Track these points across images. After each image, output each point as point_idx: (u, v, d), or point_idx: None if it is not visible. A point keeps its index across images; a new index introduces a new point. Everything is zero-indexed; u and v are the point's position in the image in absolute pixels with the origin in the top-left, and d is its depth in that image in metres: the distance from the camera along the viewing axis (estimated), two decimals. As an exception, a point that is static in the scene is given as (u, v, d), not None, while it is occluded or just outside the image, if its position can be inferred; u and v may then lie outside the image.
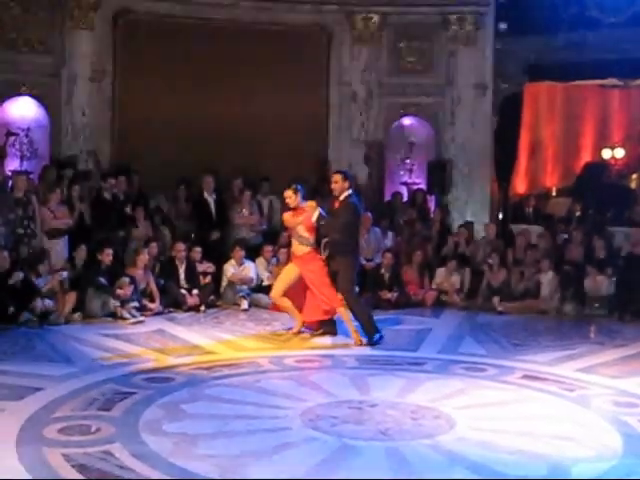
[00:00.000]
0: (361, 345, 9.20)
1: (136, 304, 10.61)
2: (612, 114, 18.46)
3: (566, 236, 13.00)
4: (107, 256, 10.74)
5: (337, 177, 9.56)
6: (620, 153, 17.68)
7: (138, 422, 6.28)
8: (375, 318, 10.76)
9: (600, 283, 11.60)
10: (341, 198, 9.45)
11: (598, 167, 17.03)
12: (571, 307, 11.57)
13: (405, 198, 14.43)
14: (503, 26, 14.55)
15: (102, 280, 10.56)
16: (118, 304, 10.43)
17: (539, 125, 17.96)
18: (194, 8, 14.07)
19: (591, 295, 11.61)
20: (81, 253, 10.92)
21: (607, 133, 18.38)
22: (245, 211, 12.62)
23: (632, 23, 14.04)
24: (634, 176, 17.63)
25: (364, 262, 12.51)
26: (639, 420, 6.63)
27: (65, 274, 10.52)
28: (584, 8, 14.38)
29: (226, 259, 11.90)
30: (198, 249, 11.80)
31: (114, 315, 10.38)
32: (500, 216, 14.96)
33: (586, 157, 18.09)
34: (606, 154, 17.72)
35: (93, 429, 6.10)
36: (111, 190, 11.80)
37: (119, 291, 10.56)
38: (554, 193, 17.39)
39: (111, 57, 13.87)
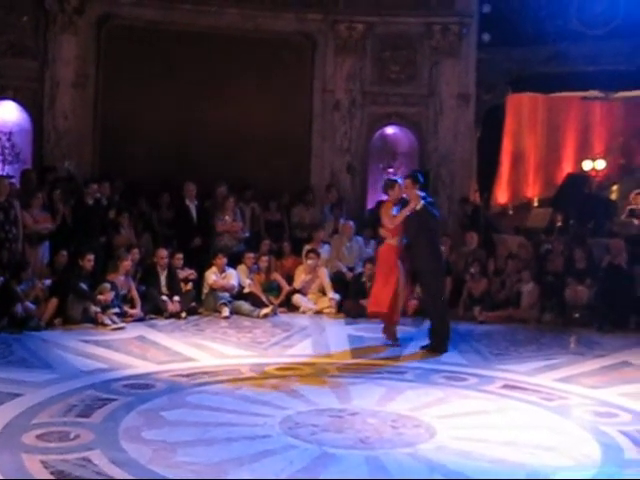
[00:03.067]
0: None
1: (117, 310, 10.55)
2: (593, 126, 18.58)
3: (548, 246, 13.06)
4: (88, 262, 10.69)
5: (407, 182, 9.75)
6: (601, 165, 17.79)
7: (118, 429, 6.25)
8: (356, 326, 10.84)
9: (580, 293, 11.66)
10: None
11: (579, 178, 17.11)
12: (551, 317, 11.63)
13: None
14: (486, 37, 14.64)
15: (83, 286, 10.51)
16: (99, 310, 10.38)
17: (521, 136, 18.05)
18: (179, 14, 14.06)
19: (571, 305, 11.67)
20: (62, 259, 10.87)
21: (588, 145, 18.49)
22: (228, 218, 12.60)
23: (614, 36, 14.17)
24: (614, 188, 17.74)
25: (345, 270, 12.55)
26: (618, 430, 6.67)
27: (48, 282, 10.47)
28: (567, 21, 14.51)
29: (208, 266, 11.88)
30: (180, 256, 11.78)
31: (95, 321, 10.32)
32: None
33: (567, 168, 18.18)
34: (587, 165, 17.82)
35: (72, 436, 6.07)
36: (94, 195, 11.75)
37: (100, 297, 10.51)
38: (535, 204, 17.47)
39: (94, 62, 13.82)
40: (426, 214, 9.51)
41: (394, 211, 9.67)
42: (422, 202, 9.50)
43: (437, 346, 9.41)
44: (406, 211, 9.47)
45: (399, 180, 10.11)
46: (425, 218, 9.50)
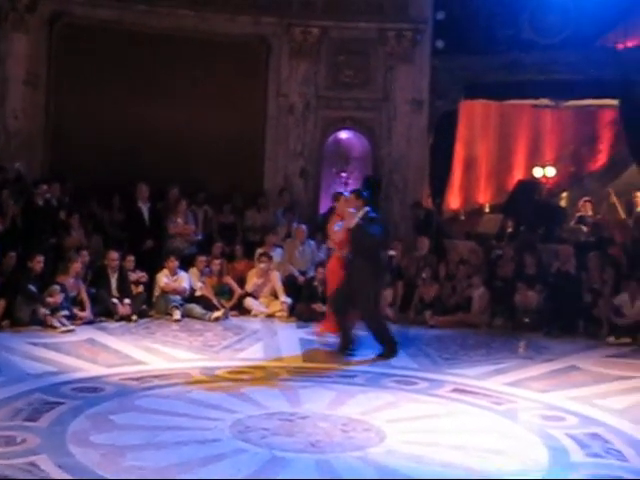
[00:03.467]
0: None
1: (66, 313, 10.42)
2: (544, 133, 18.82)
3: (498, 252, 13.20)
4: (38, 263, 10.54)
5: (350, 197, 9.77)
6: (551, 172, 18.02)
7: (65, 433, 6.18)
8: (308, 330, 10.84)
9: (530, 298, 11.80)
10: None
11: (530, 185, 17.32)
12: (501, 321, 11.76)
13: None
14: (440, 44, 14.76)
15: (32, 288, 10.36)
16: (48, 312, 10.24)
17: (473, 142, 18.20)
18: (133, 15, 13.95)
19: (521, 310, 11.80)
20: (10, 260, 10.70)
21: (539, 152, 18.72)
22: (180, 221, 12.53)
23: (565, 46, 14.41)
24: (564, 195, 18.02)
25: (297, 274, 12.54)
26: (565, 433, 6.75)
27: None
28: (519, 30, 14.72)
29: (159, 268, 11.79)
30: (131, 258, 11.68)
31: (43, 324, 10.17)
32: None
33: (518, 175, 18.39)
34: (538, 173, 18.05)
35: (18, 440, 5.97)
36: (44, 196, 11.60)
37: (49, 299, 10.37)
38: (487, 209, 17.64)
39: (46, 61, 13.65)
40: (360, 233, 9.37)
41: (337, 226, 9.72)
42: (355, 220, 9.40)
43: (387, 351, 9.43)
44: (342, 229, 9.51)
45: (346, 193, 10.17)
46: (359, 237, 9.37)
